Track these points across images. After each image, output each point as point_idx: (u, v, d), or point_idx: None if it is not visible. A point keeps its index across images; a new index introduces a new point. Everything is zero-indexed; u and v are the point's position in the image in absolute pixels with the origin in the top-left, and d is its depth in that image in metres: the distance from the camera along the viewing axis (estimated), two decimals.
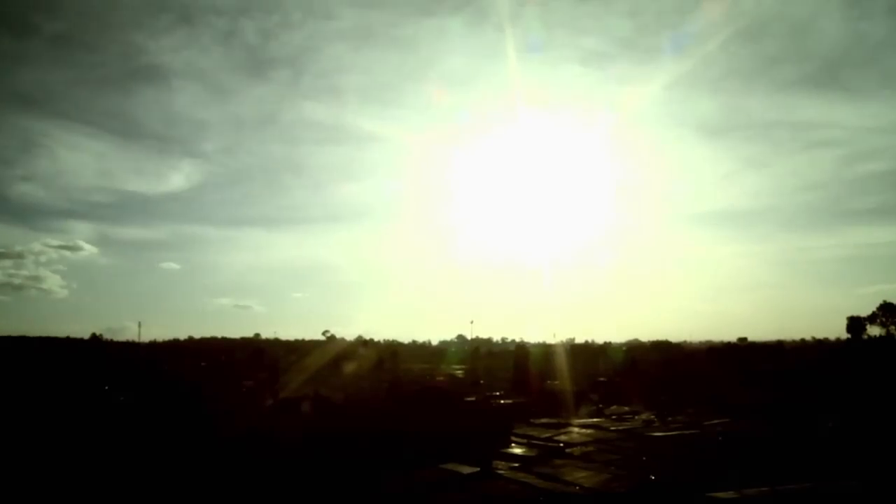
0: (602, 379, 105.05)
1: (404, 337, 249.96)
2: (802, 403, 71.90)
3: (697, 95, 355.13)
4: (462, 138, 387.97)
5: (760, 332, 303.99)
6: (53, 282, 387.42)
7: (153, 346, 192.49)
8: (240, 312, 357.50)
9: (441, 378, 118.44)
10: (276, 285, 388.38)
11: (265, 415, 53.90)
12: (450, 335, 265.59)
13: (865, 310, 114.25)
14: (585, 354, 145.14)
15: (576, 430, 54.29)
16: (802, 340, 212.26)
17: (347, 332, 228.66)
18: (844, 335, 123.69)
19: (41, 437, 44.24)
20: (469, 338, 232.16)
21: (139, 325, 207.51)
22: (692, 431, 49.05)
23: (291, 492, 37.74)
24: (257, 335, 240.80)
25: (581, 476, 31.36)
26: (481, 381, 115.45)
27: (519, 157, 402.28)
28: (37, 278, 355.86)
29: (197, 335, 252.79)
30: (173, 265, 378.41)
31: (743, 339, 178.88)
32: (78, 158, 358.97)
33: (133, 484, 37.68)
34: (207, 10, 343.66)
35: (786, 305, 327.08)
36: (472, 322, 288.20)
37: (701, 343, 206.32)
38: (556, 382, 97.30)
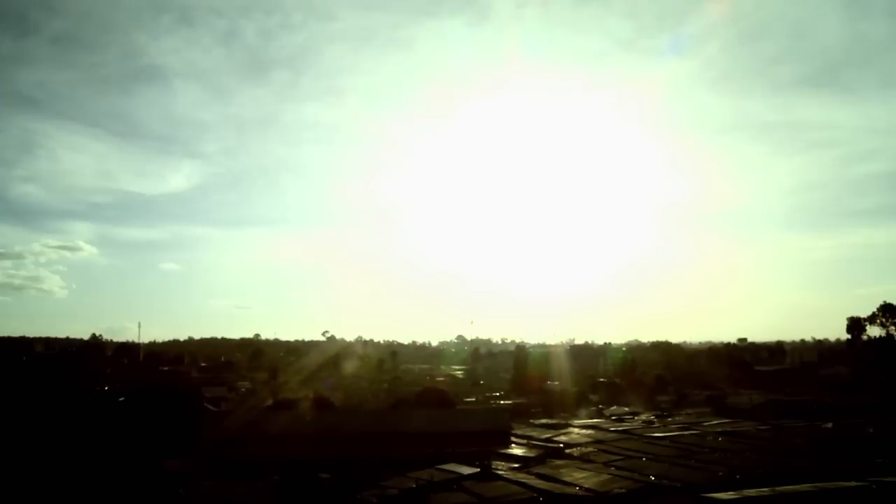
0: (602, 380, 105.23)
1: (404, 338, 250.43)
2: (802, 404, 71.80)
3: (697, 96, 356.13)
4: (463, 139, 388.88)
5: (760, 332, 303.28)
6: (53, 282, 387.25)
7: (153, 346, 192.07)
8: (240, 313, 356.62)
9: (441, 379, 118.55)
10: (276, 285, 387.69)
11: (264, 415, 53.89)
12: (450, 336, 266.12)
13: (865, 310, 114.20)
14: (585, 355, 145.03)
15: (575, 430, 54.36)
16: (802, 341, 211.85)
17: (347, 332, 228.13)
18: (844, 336, 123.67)
19: (42, 438, 44.21)
20: (469, 338, 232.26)
21: (139, 326, 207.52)
22: (692, 432, 49.15)
23: (291, 491, 37.71)
24: (257, 336, 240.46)
25: (581, 477, 31.38)
26: (481, 382, 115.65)
27: (520, 157, 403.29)
28: (36, 279, 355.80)
29: (197, 336, 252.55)
30: (173, 266, 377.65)
31: (743, 340, 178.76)
32: (78, 159, 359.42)
33: (129, 482, 37.64)
34: (208, 11, 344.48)
35: (786, 305, 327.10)
36: (471, 322, 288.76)
37: (701, 343, 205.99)
38: (556, 383, 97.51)
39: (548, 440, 48.17)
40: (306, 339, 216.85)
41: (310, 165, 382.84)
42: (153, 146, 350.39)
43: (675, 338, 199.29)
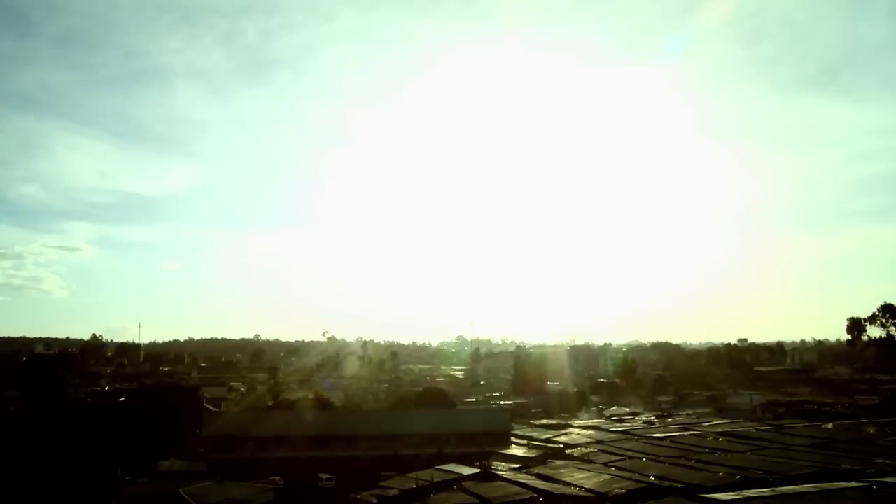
0: (602, 380, 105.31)
1: (404, 338, 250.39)
2: (802, 405, 71.68)
3: (698, 96, 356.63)
4: (464, 139, 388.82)
5: (760, 332, 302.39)
6: (53, 282, 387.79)
7: (153, 346, 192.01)
8: (240, 313, 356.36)
9: (441, 379, 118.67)
10: (276, 285, 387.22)
11: (264, 415, 53.86)
12: (450, 336, 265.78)
13: (865, 311, 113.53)
14: (586, 355, 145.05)
15: (576, 431, 54.42)
16: (803, 341, 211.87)
17: (347, 332, 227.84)
18: (844, 336, 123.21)
19: (43, 438, 44.22)
20: (469, 339, 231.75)
21: (139, 326, 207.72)
22: (692, 433, 49.17)
23: (291, 491, 37.69)
24: (257, 336, 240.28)
25: (581, 477, 31.33)
26: (482, 382, 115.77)
27: (521, 158, 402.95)
28: (36, 279, 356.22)
29: (197, 336, 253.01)
30: (173, 266, 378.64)
31: (743, 340, 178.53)
32: (79, 159, 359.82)
33: (130, 481, 37.61)
34: (209, 11, 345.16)
35: (786, 305, 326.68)
36: (472, 323, 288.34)
37: (701, 344, 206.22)
38: (557, 384, 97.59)
39: (548, 441, 48.21)
40: (306, 339, 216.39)
41: (310, 166, 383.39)
42: (153, 146, 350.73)
43: (676, 338, 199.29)
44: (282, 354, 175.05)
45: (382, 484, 34.54)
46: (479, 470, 35.42)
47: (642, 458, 36.75)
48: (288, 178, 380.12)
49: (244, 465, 41.87)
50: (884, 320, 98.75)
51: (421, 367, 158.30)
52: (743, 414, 65.31)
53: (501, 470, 35.71)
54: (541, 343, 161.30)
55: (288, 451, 45.49)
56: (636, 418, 64.54)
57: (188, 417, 50.14)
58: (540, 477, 32.35)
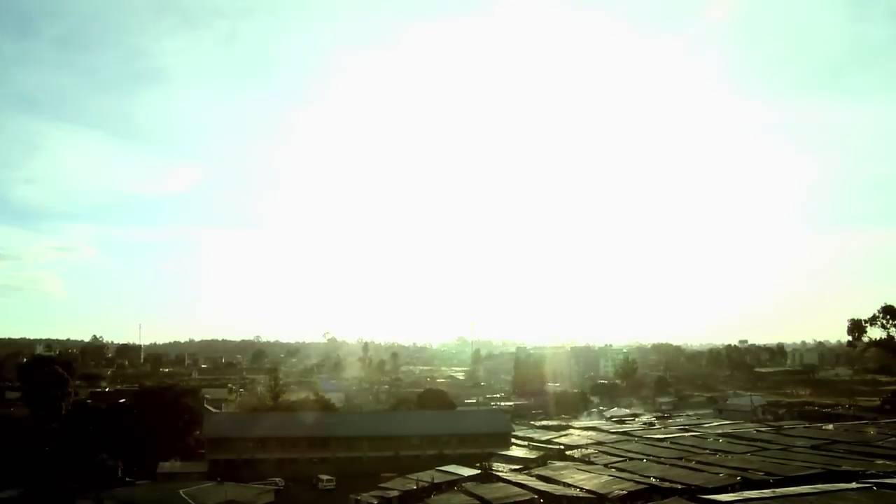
0: (603, 381, 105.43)
1: (405, 339, 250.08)
2: (802, 406, 71.55)
3: (698, 96, 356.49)
4: (465, 141, 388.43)
5: (761, 334, 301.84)
6: (53, 283, 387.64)
7: (154, 347, 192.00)
8: (239, 313, 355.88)
9: (442, 380, 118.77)
10: (276, 285, 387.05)
11: (264, 415, 53.85)
12: (451, 337, 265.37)
13: (866, 312, 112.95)
14: (586, 357, 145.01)
15: (576, 432, 54.53)
16: (803, 343, 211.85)
17: (348, 333, 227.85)
18: (845, 337, 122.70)
19: (45, 438, 44.19)
20: (470, 340, 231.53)
21: (139, 327, 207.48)
22: (692, 434, 49.23)
23: (291, 492, 37.67)
24: (258, 337, 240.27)
25: (581, 478, 31.36)
26: (482, 384, 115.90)
27: (522, 159, 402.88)
28: (36, 280, 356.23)
29: (197, 337, 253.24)
30: (173, 266, 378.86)
31: (744, 342, 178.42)
32: (79, 160, 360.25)
33: (131, 482, 37.54)
34: (210, 13, 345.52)
35: (786, 306, 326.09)
36: (472, 324, 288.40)
37: (702, 345, 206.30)
38: (557, 385, 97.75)
39: (548, 442, 48.29)
40: (306, 339, 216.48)
41: (310, 166, 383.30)
42: (154, 147, 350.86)
43: (676, 339, 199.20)
44: (282, 355, 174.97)
45: (383, 485, 34.59)
46: (479, 471, 35.47)
47: (643, 460, 36.78)
48: (288, 178, 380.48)
49: (244, 466, 41.92)
50: (884, 321, 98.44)
51: (421, 368, 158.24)
52: (743, 415, 65.33)
53: (502, 471, 35.74)
54: (541, 344, 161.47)
55: (288, 452, 45.52)
56: (636, 419, 64.58)
57: (188, 418, 50.15)
58: (540, 478, 32.37)
